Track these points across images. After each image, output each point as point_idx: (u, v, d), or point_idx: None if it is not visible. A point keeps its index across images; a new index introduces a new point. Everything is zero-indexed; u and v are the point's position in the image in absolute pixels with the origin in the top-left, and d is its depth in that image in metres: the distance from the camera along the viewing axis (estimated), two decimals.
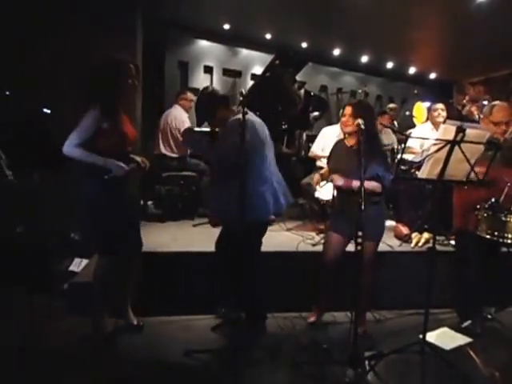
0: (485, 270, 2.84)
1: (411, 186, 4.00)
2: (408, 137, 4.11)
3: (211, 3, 5.25)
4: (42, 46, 4.07)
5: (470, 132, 2.22)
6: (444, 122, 2.62)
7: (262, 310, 2.90)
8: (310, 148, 4.70)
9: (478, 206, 2.74)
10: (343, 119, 2.76)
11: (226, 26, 6.19)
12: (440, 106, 4.15)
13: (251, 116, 2.63)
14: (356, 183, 2.54)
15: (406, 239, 3.69)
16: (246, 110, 2.38)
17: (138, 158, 2.64)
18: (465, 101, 5.53)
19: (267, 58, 5.63)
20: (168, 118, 4.54)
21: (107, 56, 2.57)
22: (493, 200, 2.67)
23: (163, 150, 4.51)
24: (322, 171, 2.99)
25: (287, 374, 2.40)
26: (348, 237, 2.76)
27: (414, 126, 5.42)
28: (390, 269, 3.22)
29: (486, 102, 4.57)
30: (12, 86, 3.71)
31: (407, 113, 5.99)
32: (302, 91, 5.58)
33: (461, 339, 2.83)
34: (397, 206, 4.49)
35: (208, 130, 3.84)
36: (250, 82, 7.00)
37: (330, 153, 2.96)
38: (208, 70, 6.83)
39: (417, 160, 3.79)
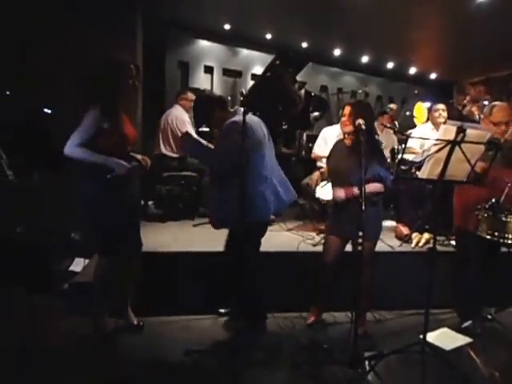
0: (485, 270, 2.84)
1: (411, 186, 4.00)
2: (408, 137, 4.10)
3: (211, 3, 5.25)
4: (41, 46, 4.07)
5: (471, 132, 2.22)
6: (445, 123, 2.62)
7: (261, 309, 2.90)
8: (310, 148, 4.70)
9: (479, 207, 2.74)
10: (343, 119, 2.77)
11: (227, 26, 6.19)
12: (441, 106, 4.16)
13: (248, 116, 2.62)
14: (357, 191, 2.54)
15: (406, 239, 3.69)
16: (245, 109, 2.38)
17: (139, 157, 2.64)
18: (465, 101, 5.53)
19: (267, 58, 5.64)
20: (168, 117, 4.53)
21: (107, 56, 2.57)
22: (493, 200, 2.67)
23: (164, 149, 4.51)
24: (322, 170, 2.99)
25: (287, 374, 2.40)
26: (348, 237, 2.76)
27: (414, 126, 5.42)
28: (390, 269, 3.23)
29: (486, 102, 4.57)
30: (12, 86, 3.70)
31: (408, 113, 5.99)
32: (303, 91, 5.56)
33: (461, 339, 2.83)
34: (397, 206, 4.49)
35: (207, 130, 3.84)
36: (251, 82, 7.00)
37: (330, 153, 2.96)
38: (208, 70, 6.83)
39: (417, 160, 3.79)
